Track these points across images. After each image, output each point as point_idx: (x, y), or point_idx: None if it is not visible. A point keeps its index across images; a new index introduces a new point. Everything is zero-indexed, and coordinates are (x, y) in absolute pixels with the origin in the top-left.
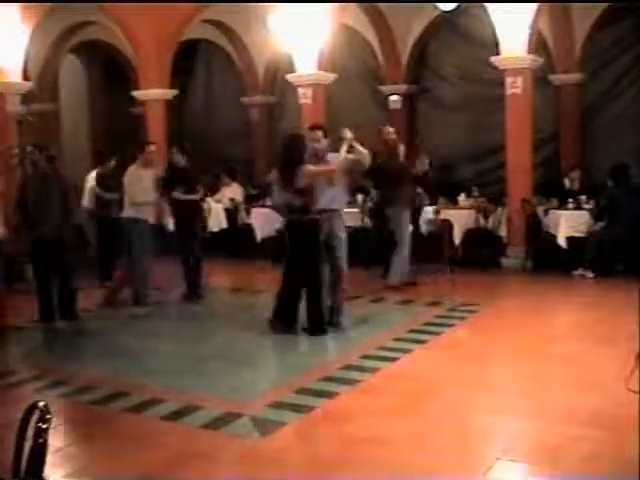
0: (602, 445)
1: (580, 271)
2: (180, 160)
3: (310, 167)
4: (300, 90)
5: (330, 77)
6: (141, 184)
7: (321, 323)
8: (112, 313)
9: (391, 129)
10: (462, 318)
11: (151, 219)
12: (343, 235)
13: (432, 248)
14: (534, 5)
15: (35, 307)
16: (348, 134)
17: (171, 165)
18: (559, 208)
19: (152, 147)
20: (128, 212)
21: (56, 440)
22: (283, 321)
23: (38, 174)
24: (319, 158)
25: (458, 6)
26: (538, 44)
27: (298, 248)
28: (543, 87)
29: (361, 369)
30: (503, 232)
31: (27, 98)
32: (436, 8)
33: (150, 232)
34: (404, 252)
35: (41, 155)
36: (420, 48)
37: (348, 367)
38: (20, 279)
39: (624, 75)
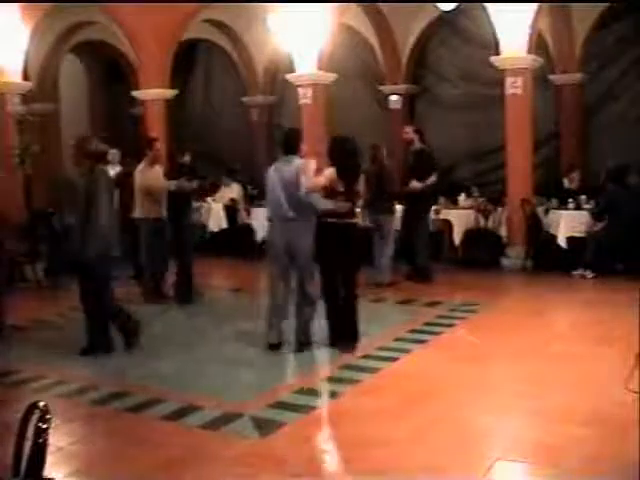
0: (602, 445)
1: (580, 271)
2: (187, 160)
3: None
4: (300, 90)
5: (330, 77)
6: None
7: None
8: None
9: (408, 128)
10: (462, 318)
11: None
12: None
13: (432, 248)
14: (534, 5)
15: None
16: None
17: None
18: (559, 208)
19: (159, 144)
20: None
21: (56, 440)
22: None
23: (91, 178)
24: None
25: (458, 6)
26: (538, 44)
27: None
28: (543, 87)
29: (361, 369)
30: (503, 232)
31: (27, 98)
32: (436, 8)
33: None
34: None
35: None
36: (420, 48)
37: (348, 367)
38: (21, 279)
39: (624, 75)
